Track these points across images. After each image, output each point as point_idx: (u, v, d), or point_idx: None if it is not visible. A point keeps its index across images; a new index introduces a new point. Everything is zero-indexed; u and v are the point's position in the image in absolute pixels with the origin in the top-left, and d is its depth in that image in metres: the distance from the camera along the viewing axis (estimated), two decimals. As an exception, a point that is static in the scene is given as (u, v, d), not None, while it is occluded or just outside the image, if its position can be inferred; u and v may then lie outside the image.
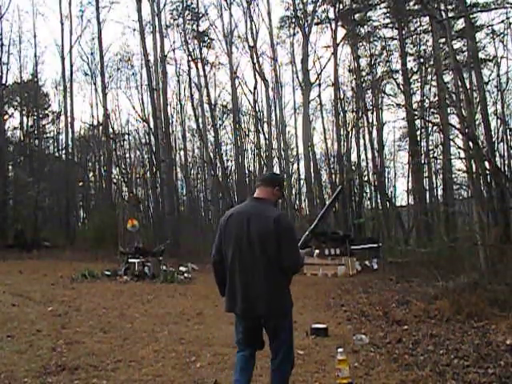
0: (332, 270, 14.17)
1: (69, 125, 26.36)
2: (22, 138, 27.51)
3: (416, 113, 19.54)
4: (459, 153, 13.56)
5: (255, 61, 24.24)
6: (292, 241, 3.08)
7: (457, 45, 18.25)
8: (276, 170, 26.21)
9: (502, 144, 17.80)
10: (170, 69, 26.64)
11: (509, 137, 17.89)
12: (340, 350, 3.79)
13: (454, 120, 16.14)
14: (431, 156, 21.54)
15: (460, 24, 17.82)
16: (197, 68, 24.58)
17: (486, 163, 11.00)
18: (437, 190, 22.87)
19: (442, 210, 18.42)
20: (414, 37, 20.96)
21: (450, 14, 14.32)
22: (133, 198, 25.46)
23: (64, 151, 27.59)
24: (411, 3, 18.68)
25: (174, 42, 25.74)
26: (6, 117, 25.13)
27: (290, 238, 3.05)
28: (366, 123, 22.34)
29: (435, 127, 19.40)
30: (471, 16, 15.57)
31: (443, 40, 15.86)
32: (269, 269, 3.02)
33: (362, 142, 24.25)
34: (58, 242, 21.97)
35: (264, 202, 3.17)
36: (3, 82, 24.00)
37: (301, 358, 4.63)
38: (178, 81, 27.78)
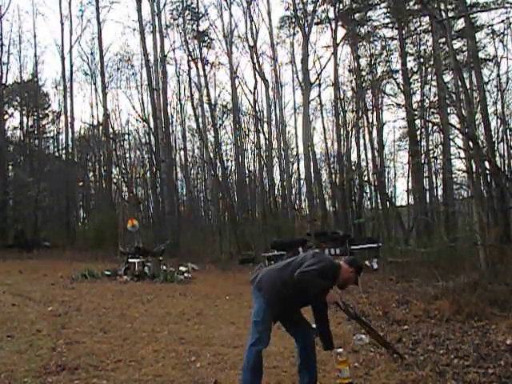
0: (332, 270, 14.13)
1: (69, 125, 26.41)
2: (22, 137, 27.53)
3: (416, 113, 19.49)
4: (459, 153, 13.56)
5: (255, 61, 24.18)
6: (312, 263, 3.40)
7: (457, 45, 18.18)
8: (276, 169, 26.24)
9: (502, 144, 17.77)
10: (170, 69, 26.68)
11: (509, 137, 17.86)
12: (340, 350, 3.79)
13: (454, 120, 16.09)
14: (431, 156, 21.45)
15: (460, 24, 17.77)
16: (197, 68, 24.55)
17: (486, 163, 11.00)
18: (437, 190, 22.83)
19: (442, 209, 18.38)
20: (413, 37, 20.88)
21: (450, 14, 14.28)
22: (133, 198, 25.45)
23: (64, 151, 27.60)
24: (411, 3, 18.62)
25: (174, 42, 25.71)
26: (6, 117, 25.15)
27: (312, 261, 3.43)
28: (366, 123, 22.26)
29: (435, 127, 19.34)
30: (471, 16, 15.52)
31: (443, 40, 15.81)
32: (283, 267, 3.62)
33: (362, 141, 24.15)
34: (58, 242, 21.98)
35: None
36: (3, 81, 24.06)
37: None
38: (178, 81, 27.74)
